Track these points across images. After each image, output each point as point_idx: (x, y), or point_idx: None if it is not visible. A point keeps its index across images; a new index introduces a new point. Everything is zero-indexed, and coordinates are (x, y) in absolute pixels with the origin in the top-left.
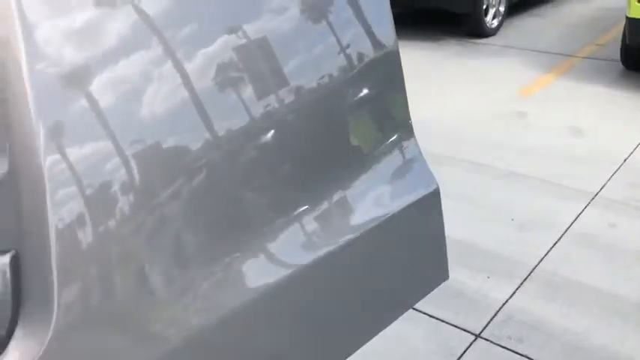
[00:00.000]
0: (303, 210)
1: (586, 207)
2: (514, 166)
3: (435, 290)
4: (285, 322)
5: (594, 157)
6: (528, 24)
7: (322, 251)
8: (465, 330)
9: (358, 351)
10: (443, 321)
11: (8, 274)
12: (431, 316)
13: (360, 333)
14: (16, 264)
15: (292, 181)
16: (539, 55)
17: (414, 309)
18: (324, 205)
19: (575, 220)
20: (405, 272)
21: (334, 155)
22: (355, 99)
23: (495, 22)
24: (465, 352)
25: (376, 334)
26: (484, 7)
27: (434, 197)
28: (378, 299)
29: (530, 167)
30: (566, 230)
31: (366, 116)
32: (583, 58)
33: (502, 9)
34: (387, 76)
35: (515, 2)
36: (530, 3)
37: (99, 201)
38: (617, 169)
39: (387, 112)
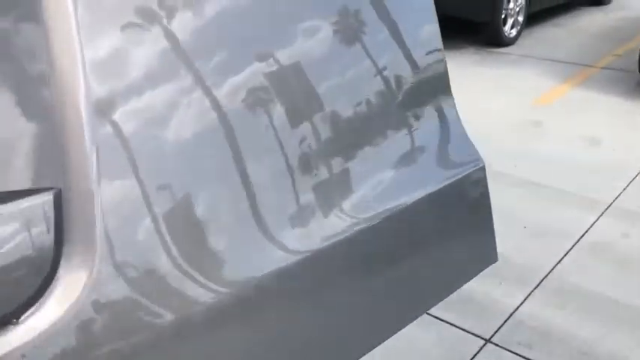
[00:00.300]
0: (341, 186)
1: (600, 216)
2: (529, 174)
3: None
4: (316, 305)
5: (609, 167)
6: (547, 34)
7: (362, 228)
8: (475, 335)
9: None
10: (453, 325)
11: (52, 211)
12: (442, 320)
13: (405, 312)
14: (58, 201)
15: (331, 161)
16: (556, 64)
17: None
18: (363, 180)
19: (589, 229)
20: (451, 252)
21: (375, 132)
22: (399, 83)
23: (514, 32)
24: (474, 356)
25: (421, 315)
26: (502, 16)
27: (480, 175)
28: (422, 280)
29: (545, 176)
30: (579, 239)
31: (409, 96)
32: (601, 68)
33: (521, 18)
34: (430, 62)
35: (534, 12)
36: (549, 13)
37: (142, 148)
38: (632, 180)
39: (430, 91)
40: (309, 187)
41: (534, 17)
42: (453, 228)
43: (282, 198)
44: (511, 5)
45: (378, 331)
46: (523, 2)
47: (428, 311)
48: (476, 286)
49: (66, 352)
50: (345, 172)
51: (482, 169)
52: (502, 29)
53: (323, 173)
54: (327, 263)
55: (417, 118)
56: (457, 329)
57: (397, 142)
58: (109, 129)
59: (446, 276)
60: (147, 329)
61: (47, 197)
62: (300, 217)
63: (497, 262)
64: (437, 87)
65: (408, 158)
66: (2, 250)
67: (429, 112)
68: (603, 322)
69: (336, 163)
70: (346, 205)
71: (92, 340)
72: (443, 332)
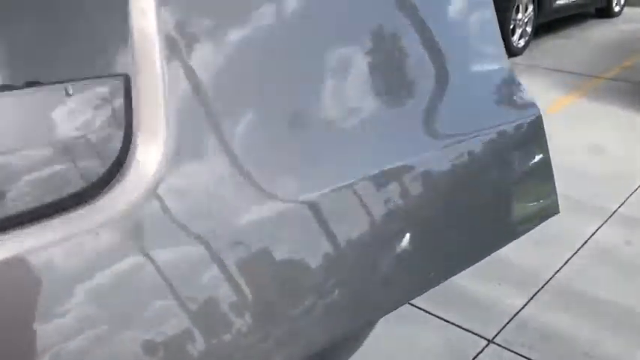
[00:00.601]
0: (398, 126)
1: (603, 224)
2: None
3: (451, 296)
4: (380, 232)
5: (614, 176)
6: (555, 45)
7: (421, 169)
8: (478, 335)
9: (370, 352)
10: (457, 325)
11: (121, 96)
12: (445, 320)
13: (457, 260)
14: (128, 86)
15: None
16: (563, 75)
17: (428, 312)
18: (420, 123)
19: (592, 235)
20: (510, 199)
21: (433, 80)
22: (453, 36)
23: (522, 42)
24: (477, 355)
25: (473, 264)
26: (511, 26)
27: (536, 123)
28: (481, 224)
29: None
30: (583, 245)
31: (461, 44)
32: (607, 79)
33: (529, 29)
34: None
35: (543, 23)
36: (557, 24)
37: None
38: (636, 189)
39: (479, 38)
40: (370, 125)
41: (543, 28)
42: (510, 174)
43: (349, 120)
44: (519, 16)
45: (437, 273)
46: (531, 13)
47: (432, 312)
48: (479, 288)
49: (138, 229)
50: (402, 114)
51: (539, 118)
52: (510, 39)
53: (385, 115)
54: (380, 199)
55: (472, 67)
56: (461, 329)
57: (456, 89)
58: (174, 19)
59: (506, 222)
60: (211, 208)
61: (117, 82)
62: (359, 147)
63: (500, 266)
64: (488, 37)
65: (463, 105)
66: (76, 133)
67: (482, 62)
68: (605, 325)
69: (394, 105)
70: (402, 146)
71: (162, 217)
72: (447, 332)
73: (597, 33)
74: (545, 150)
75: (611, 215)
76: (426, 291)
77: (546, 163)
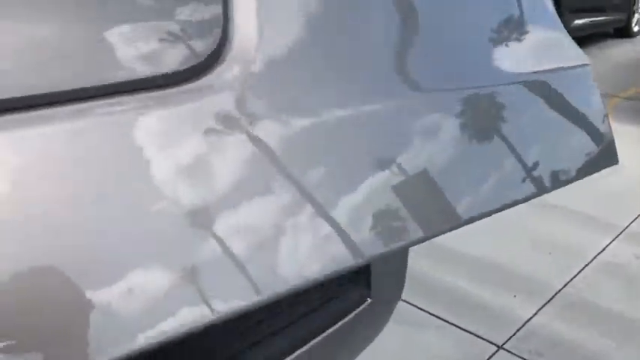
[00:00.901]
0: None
1: (614, 239)
2: (548, 197)
3: (463, 304)
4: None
5: (626, 194)
6: None
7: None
8: (488, 341)
9: (381, 355)
10: (468, 332)
11: None
12: (457, 326)
13: (520, 188)
14: None
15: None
16: None
17: (440, 318)
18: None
19: (603, 250)
20: (559, 140)
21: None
22: None
23: None
24: None
25: (534, 198)
26: None
27: (585, 70)
28: (533, 163)
29: (563, 199)
30: (593, 259)
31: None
32: (625, 98)
33: None
34: None
35: None
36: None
37: None
38: None
39: None
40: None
41: None
42: (559, 119)
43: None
44: None
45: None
46: None
47: (444, 318)
48: (492, 297)
49: (241, 100)
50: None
51: (588, 67)
52: None
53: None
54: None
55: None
56: (471, 335)
57: (515, 33)
58: None
59: (559, 163)
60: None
61: None
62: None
63: (513, 277)
64: None
65: (509, 47)
66: (180, 15)
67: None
68: (613, 336)
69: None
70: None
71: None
72: (458, 338)
73: (616, 53)
74: (596, 98)
75: (622, 231)
76: (492, 213)
77: (599, 112)
